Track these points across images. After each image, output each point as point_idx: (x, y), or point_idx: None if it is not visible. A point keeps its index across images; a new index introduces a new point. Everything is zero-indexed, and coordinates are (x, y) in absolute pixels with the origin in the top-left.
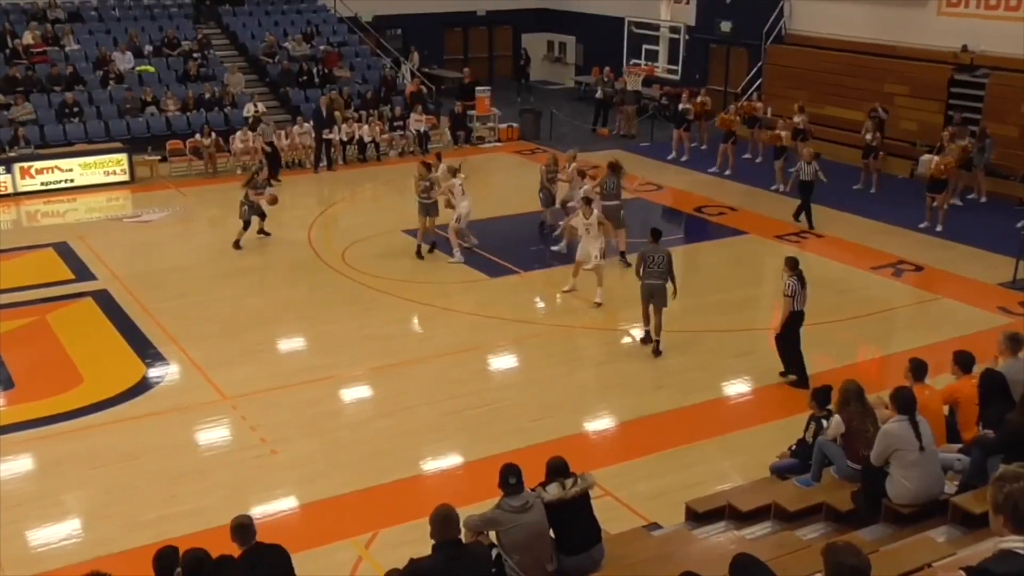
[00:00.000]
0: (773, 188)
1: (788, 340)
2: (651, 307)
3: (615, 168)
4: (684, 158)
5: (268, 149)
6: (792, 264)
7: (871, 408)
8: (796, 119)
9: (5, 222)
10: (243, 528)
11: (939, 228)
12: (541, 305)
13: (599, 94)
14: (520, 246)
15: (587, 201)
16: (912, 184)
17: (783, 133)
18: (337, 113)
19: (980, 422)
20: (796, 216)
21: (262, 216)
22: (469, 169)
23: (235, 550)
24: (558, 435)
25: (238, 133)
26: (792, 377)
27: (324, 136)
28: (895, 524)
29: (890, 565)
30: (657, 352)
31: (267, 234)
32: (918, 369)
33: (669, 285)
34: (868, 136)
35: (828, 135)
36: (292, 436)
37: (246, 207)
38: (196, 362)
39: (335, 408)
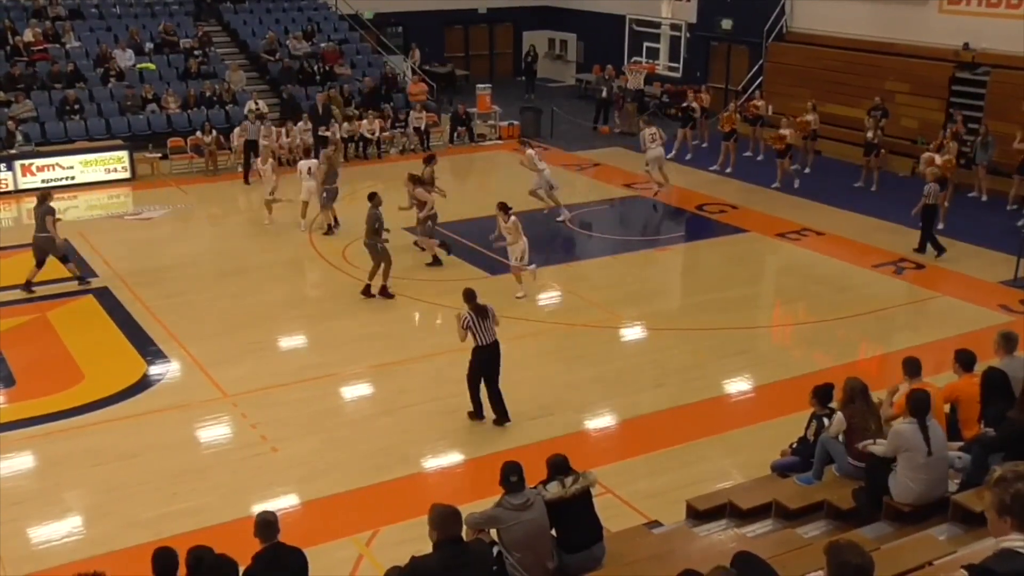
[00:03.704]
0: (774, 186)
1: (471, 375)
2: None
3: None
4: (688, 156)
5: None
6: (467, 296)
7: (875, 406)
8: (808, 117)
9: (6, 219)
10: (267, 524)
11: (940, 226)
12: (541, 303)
13: (604, 93)
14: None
15: (503, 208)
16: (913, 182)
17: (786, 132)
18: (336, 110)
19: (981, 420)
20: (922, 247)
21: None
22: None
23: (243, 547)
24: (558, 433)
25: (236, 130)
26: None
27: (320, 133)
28: (896, 522)
29: (891, 563)
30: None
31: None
32: (912, 367)
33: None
34: (869, 134)
35: (829, 133)
36: (292, 434)
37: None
38: (197, 360)
39: (335, 406)
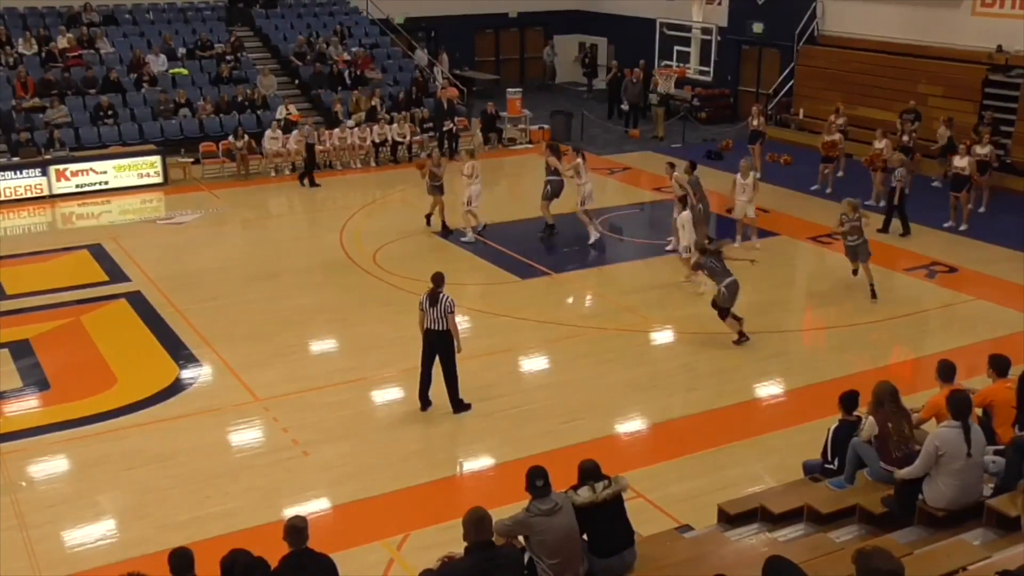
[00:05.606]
0: (813, 189)
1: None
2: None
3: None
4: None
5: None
6: (432, 278)
7: (905, 409)
8: (838, 121)
9: (41, 224)
10: (295, 531)
11: (963, 227)
12: (572, 307)
13: (633, 96)
14: (551, 248)
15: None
16: (946, 185)
17: (835, 139)
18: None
19: (1017, 424)
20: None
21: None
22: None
23: (276, 550)
24: (590, 437)
25: (267, 132)
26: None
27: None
28: (929, 527)
29: (924, 568)
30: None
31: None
32: (946, 371)
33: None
34: (905, 138)
35: (862, 136)
36: (324, 438)
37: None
38: (229, 364)
39: (367, 410)
